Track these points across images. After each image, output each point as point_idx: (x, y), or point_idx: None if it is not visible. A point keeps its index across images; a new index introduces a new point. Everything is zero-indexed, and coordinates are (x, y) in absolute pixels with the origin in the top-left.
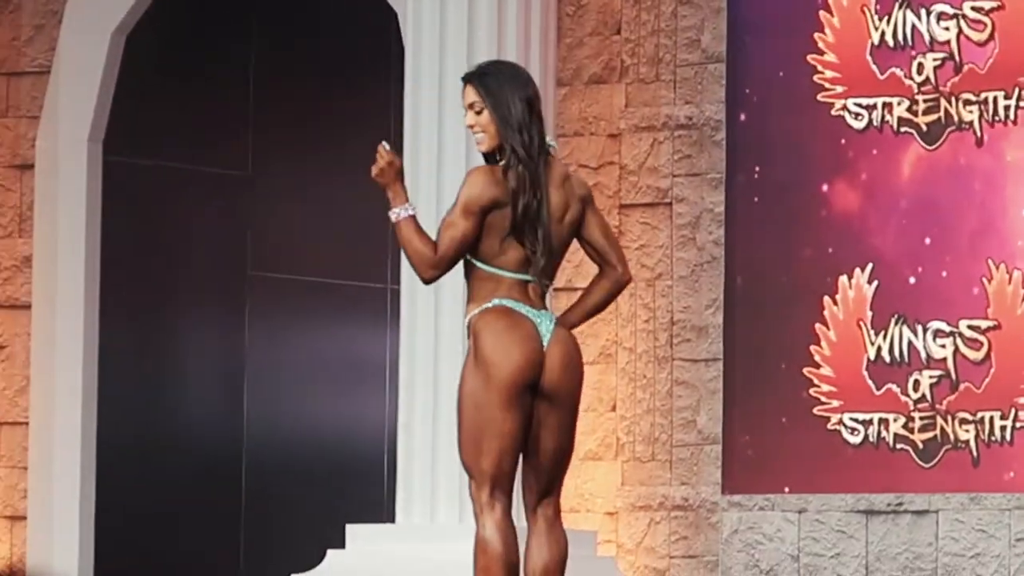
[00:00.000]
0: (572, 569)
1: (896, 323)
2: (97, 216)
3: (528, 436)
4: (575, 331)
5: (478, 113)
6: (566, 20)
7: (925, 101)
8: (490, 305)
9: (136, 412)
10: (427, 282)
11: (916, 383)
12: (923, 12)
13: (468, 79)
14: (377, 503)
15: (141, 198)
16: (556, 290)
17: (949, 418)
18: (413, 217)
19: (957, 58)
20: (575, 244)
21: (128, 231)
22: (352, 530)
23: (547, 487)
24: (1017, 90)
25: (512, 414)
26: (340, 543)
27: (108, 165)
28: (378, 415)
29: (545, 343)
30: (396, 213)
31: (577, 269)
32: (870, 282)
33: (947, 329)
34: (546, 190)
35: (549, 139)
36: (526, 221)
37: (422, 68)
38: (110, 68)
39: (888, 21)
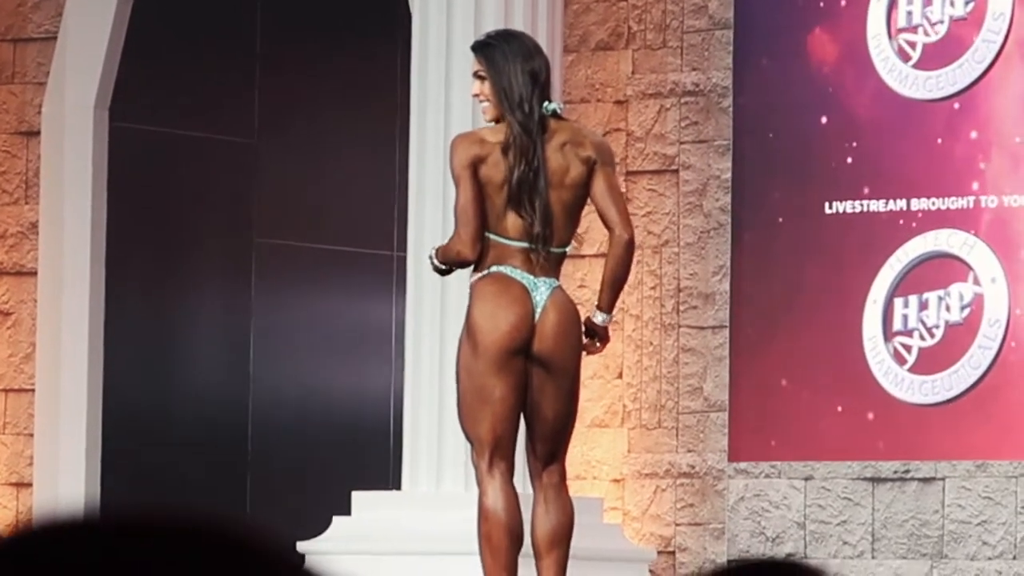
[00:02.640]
0: (578, 536)
1: (901, 293)
2: (103, 182)
3: (526, 402)
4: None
5: (482, 82)
6: None
7: (933, 65)
8: (486, 272)
9: (142, 379)
10: (471, 260)
11: (921, 351)
12: None
13: (475, 49)
14: (383, 470)
15: (147, 164)
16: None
17: (955, 384)
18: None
19: (968, 23)
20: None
21: (134, 197)
22: (358, 497)
23: (550, 454)
24: None
25: (502, 380)
26: (346, 510)
27: (114, 131)
28: (384, 382)
29: (538, 310)
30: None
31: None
32: (876, 250)
33: (951, 301)
34: (544, 158)
35: (552, 104)
36: (522, 192)
37: (429, 33)
38: (116, 34)
39: None
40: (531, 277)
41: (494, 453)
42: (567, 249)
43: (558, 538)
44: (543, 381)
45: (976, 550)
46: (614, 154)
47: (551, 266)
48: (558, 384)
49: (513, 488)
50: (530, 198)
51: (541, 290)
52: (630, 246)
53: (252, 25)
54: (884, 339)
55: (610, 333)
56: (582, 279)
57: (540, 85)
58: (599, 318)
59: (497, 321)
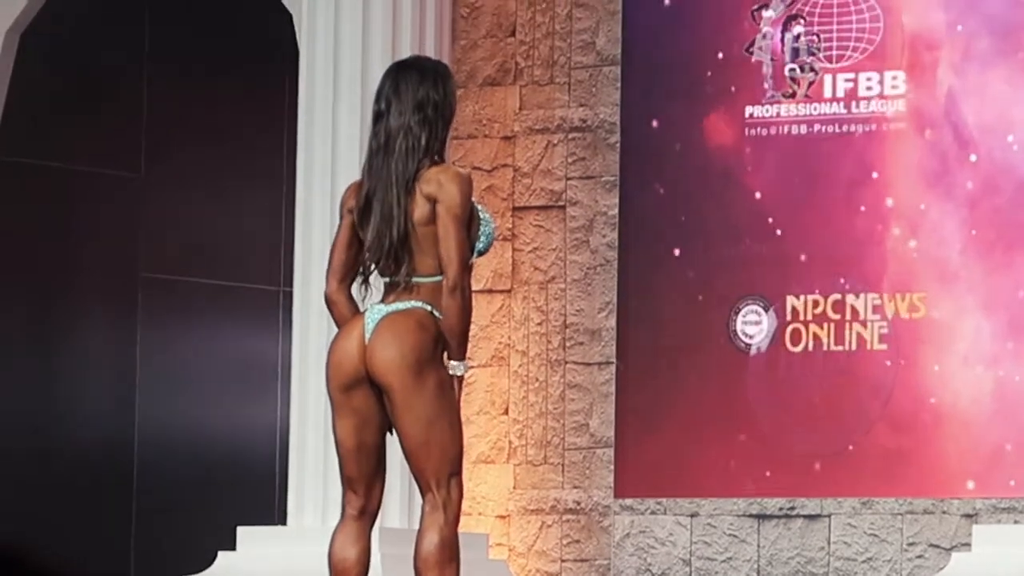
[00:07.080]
0: (464, 572)
1: (782, 331)
2: None
3: (379, 434)
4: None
5: None
6: (461, 22)
7: (818, 105)
8: None
9: (27, 415)
10: (326, 295)
11: (807, 392)
12: (809, 18)
13: None
14: (268, 505)
15: (33, 198)
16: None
17: (840, 420)
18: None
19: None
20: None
21: (19, 231)
22: (243, 532)
23: (419, 481)
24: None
25: (339, 419)
26: (231, 545)
27: (0, 165)
28: (270, 417)
29: (368, 335)
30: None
31: None
32: (758, 289)
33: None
34: (381, 191)
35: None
36: (363, 221)
37: (316, 70)
38: (3, 67)
39: (777, 27)
40: (380, 305)
41: (345, 491)
42: (435, 279)
43: (418, 567)
44: (390, 405)
45: None
46: (462, 192)
47: (414, 295)
48: (399, 404)
49: (348, 526)
50: (372, 227)
51: (375, 316)
52: (453, 291)
53: (140, 59)
54: (768, 376)
55: (475, 376)
56: None
57: (376, 120)
58: (450, 368)
59: (327, 361)
